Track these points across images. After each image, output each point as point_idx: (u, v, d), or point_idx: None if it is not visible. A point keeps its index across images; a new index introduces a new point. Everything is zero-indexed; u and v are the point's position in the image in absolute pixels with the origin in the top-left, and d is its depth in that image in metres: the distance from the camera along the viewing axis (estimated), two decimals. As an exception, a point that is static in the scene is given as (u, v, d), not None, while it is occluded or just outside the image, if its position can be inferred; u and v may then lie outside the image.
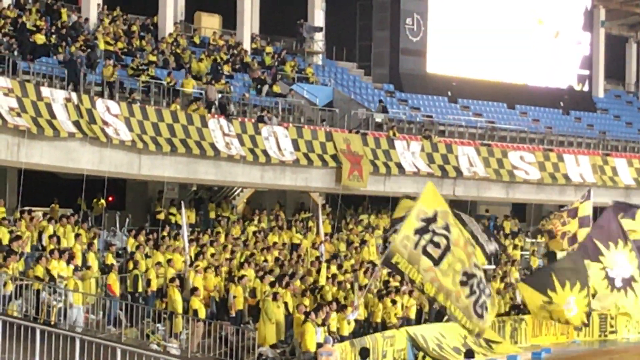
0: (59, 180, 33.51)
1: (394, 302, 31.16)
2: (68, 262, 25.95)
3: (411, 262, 25.22)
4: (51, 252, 25.84)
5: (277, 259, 31.89)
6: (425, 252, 25.26)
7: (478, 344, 31.32)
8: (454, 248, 25.59)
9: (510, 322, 35.15)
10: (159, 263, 28.20)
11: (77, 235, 28.04)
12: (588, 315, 31.99)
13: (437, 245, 25.40)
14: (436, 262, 25.30)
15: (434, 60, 49.28)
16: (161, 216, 34.17)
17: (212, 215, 36.22)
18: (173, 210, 34.41)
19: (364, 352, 23.84)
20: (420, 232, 25.37)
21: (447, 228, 25.62)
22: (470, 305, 25.64)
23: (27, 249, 26.95)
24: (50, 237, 27.44)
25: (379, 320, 30.71)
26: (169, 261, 28.40)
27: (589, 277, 31.56)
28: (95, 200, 33.32)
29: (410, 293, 32.74)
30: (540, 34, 52.92)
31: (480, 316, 25.79)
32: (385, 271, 34.11)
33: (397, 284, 32.82)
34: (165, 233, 31.50)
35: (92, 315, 25.54)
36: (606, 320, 38.31)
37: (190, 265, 28.73)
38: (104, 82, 34.73)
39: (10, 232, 26.99)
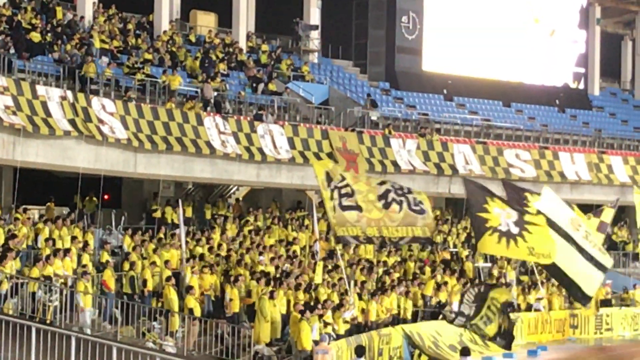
0: (54, 179, 33.49)
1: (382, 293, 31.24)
2: (63, 259, 25.93)
3: (342, 224, 26.42)
4: (47, 257, 25.76)
5: (272, 258, 31.86)
6: (344, 208, 26.52)
7: (474, 341, 31.35)
8: (356, 187, 26.79)
9: (506, 320, 35.11)
10: (153, 262, 28.14)
11: (73, 238, 28.01)
12: None
13: (348, 195, 26.63)
14: (358, 207, 26.47)
15: (430, 58, 49.30)
16: (157, 214, 34.12)
17: (208, 215, 36.18)
18: (169, 209, 34.35)
19: (360, 350, 23.84)
20: (332, 196, 26.72)
21: (343, 177, 27.01)
22: (406, 213, 26.49)
23: (24, 246, 26.94)
24: (47, 240, 27.36)
25: (373, 319, 30.70)
26: (166, 262, 28.34)
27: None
28: (87, 198, 33.28)
29: (407, 294, 32.77)
30: (536, 32, 52.94)
31: (420, 212, 26.61)
32: (381, 270, 34.21)
33: (390, 281, 32.90)
34: (161, 235, 31.46)
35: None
36: (602, 318, 38.39)
37: (187, 261, 28.73)
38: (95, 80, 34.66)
39: (8, 230, 26.97)
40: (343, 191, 26.78)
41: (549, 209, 29.94)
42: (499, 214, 27.83)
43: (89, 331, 23.87)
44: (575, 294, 29.66)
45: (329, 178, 27.19)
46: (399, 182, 28.02)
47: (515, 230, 27.70)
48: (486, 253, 29.40)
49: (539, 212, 27.84)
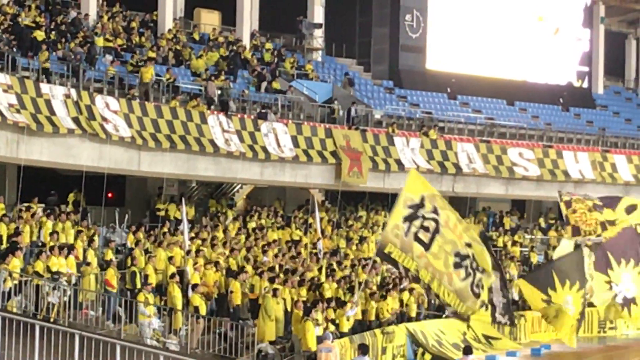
0: (58, 177, 33.51)
1: (384, 296, 31.17)
2: (67, 256, 26.00)
3: (404, 251, 25.18)
4: (51, 248, 25.87)
5: (276, 256, 31.89)
6: (416, 239, 25.20)
7: (477, 340, 31.37)
8: (443, 230, 25.46)
9: (509, 319, 35.09)
10: (154, 256, 28.09)
11: (79, 232, 28.07)
12: (581, 316, 31.78)
13: (427, 229, 25.30)
14: (427, 246, 25.23)
15: (434, 56, 49.27)
16: (161, 212, 34.13)
17: (212, 211, 36.21)
18: (172, 206, 34.37)
19: (364, 348, 23.84)
20: (410, 219, 25.27)
21: (435, 211, 25.49)
22: (467, 287, 25.48)
23: (26, 240, 26.98)
24: (51, 234, 27.44)
25: (372, 318, 30.67)
26: (169, 259, 28.37)
27: (588, 280, 31.42)
28: (71, 194, 33.19)
29: (411, 291, 32.76)
30: (540, 31, 52.89)
31: (477, 295, 25.64)
32: (384, 267, 34.21)
33: (392, 281, 32.89)
34: (165, 229, 31.48)
35: (91, 311, 25.55)
36: (606, 316, 38.36)
37: (188, 253, 28.75)
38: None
39: (16, 228, 27.02)
40: (426, 224, 25.26)
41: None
42: (566, 302, 29.01)
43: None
44: None
45: (421, 203, 25.47)
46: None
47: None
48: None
49: None
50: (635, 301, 32.34)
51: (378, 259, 28.19)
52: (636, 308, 31.21)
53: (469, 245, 25.57)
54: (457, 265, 25.36)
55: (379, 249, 25.98)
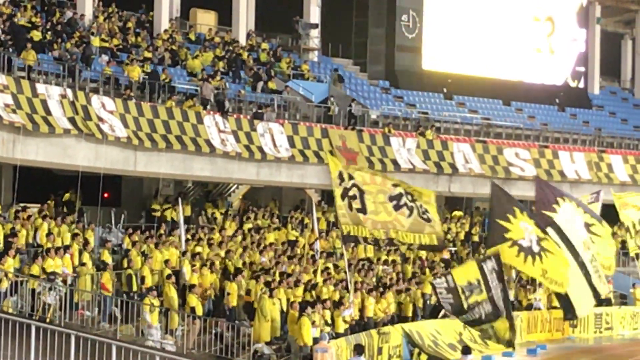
0: (54, 177, 33.47)
1: (380, 295, 31.19)
2: (63, 256, 25.96)
3: (356, 223, 27.01)
4: (47, 250, 25.83)
5: (278, 262, 31.81)
6: (355, 209, 27.05)
7: (473, 340, 31.35)
8: (365, 187, 27.28)
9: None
10: (150, 258, 28.03)
11: (75, 235, 28.02)
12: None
13: (353, 197, 27.16)
14: (363, 210, 27.04)
15: (430, 57, 49.27)
16: (157, 213, 34.09)
17: (209, 212, 36.18)
18: (168, 206, 34.33)
19: (359, 348, 23.82)
20: (344, 194, 27.16)
21: (351, 177, 27.30)
22: (416, 218, 26.98)
23: (21, 242, 26.95)
24: (47, 235, 27.39)
25: (370, 315, 30.65)
26: (166, 262, 28.30)
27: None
28: (67, 194, 33.18)
29: (407, 291, 32.75)
30: (536, 31, 52.91)
31: (428, 220, 27.07)
32: (380, 267, 34.21)
33: (389, 280, 32.91)
34: (162, 231, 31.45)
35: (87, 312, 25.52)
36: (601, 316, 38.38)
37: (183, 254, 28.70)
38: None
39: (12, 228, 26.99)
40: (350, 193, 26.99)
41: (566, 223, 30.51)
42: (525, 229, 28.19)
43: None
44: (567, 310, 30.17)
45: (341, 177, 27.41)
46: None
47: (536, 248, 28.16)
48: (505, 262, 29.79)
49: (545, 234, 28.44)
50: (589, 223, 32.46)
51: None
52: (596, 228, 31.26)
53: (395, 185, 27.38)
54: (397, 207, 27.04)
55: (342, 236, 27.90)
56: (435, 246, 28.05)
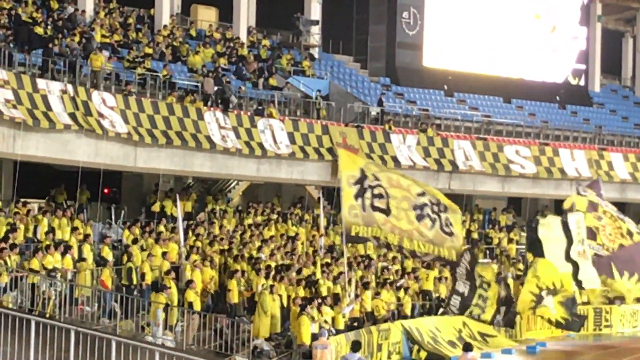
0: (54, 172, 33.48)
1: (378, 293, 31.19)
2: (64, 255, 25.98)
3: (368, 225, 26.45)
4: (47, 247, 25.81)
5: (272, 254, 31.83)
6: (374, 208, 26.43)
7: (473, 337, 31.37)
8: (390, 191, 26.71)
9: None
10: (151, 254, 28.06)
11: (74, 229, 28.02)
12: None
13: (379, 196, 26.53)
14: (387, 211, 26.52)
15: (431, 54, 49.25)
16: (156, 208, 34.06)
17: (209, 208, 36.18)
18: (168, 202, 34.31)
19: (355, 345, 23.79)
20: (360, 194, 26.45)
21: (376, 178, 26.68)
22: (438, 232, 26.72)
23: (20, 238, 26.95)
24: (47, 232, 27.37)
25: (368, 309, 30.64)
26: (164, 254, 28.34)
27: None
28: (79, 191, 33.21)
29: (406, 290, 32.74)
30: (537, 29, 52.87)
31: (450, 234, 26.86)
32: (380, 264, 34.21)
33: (391, 277, 32.89)
34: (162, 227, 31.45)
35: (87, 307, 25.54)
36: (601, 314, 38.37)
37: (187, 257, 28.72)
38: (97, 75, 34.46)
39: (13, 224, 26.98)
40: (376, 191, 26.41)
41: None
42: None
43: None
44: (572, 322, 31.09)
45: (362, 176, 26.71)
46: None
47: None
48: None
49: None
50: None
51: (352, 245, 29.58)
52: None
53: (421, 194, 26.50)
54: (420, 218, 26.72)
55: (345, 235, 27.09)
56: (453, 262, 27.78)
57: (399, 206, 26.59)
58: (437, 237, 26.70)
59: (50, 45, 33.61)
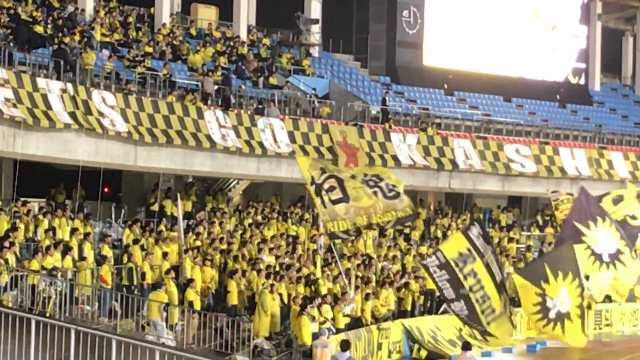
0: (55, 171, 33.47)
1: (377, 292, 31.22)
2: (64, 255, 25.98)
3: (334, 219, 27.50)
4: (47, 247, 25.79)
5: (271, 249, 31.82)
6: (333, 202, 27.55)
7: (473, 336, 31.35)
8: (341, 175, 28.04)
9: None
10: (150, 253, 28.04)
11: (74, 230, 28.01)
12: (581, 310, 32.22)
13: (332, 189, 27.67)
14: (346, 199, 27.61)
15: (431, 52, 49.25)
16: (155, 207, 34.06)
17: (209, 207, 36.17)
18: (168, 202, 34.29)
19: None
20: (317, 193, 27.72)
21: (323, 171, 27.95)
22: (384, 203, 27.96)
23: (20, 237, 26.94)
24: (46, 231, 27.36)
25: (368, 314, 30.59)
26: (164, 254, 28.32)
27: (579, 263, 31.88)
28: (76, 190, 33.21)
29: (406, 285, 32.74)
30: (537, 27, 52.86)
31: (396, 195, 28.24)
32: (380, 264, 34.20)
33: (392, 276, 32.90)
34: (162, 227, 31.44)
35: (87, 306, 25.54)
36: (601, 313, 38.35)
37: (186, 252, 28.73)
38: (89, 72, 34.38)
39: (14, 223, 26.98)
40: (326, 185, 27.42)
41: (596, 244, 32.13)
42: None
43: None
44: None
45: (312, 176, 27.81)
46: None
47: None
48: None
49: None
50: (621, 250, 33.02)
51: (339, 240, 31.15)
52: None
53: (354, 176, 28.28)
54: (375, 193, 27.96)
55: (328, 233, 28.33)
56: (411, 215, 28.93)
57: (354, 186, 27.87)
58: (388, 204, 28.03)
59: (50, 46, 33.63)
